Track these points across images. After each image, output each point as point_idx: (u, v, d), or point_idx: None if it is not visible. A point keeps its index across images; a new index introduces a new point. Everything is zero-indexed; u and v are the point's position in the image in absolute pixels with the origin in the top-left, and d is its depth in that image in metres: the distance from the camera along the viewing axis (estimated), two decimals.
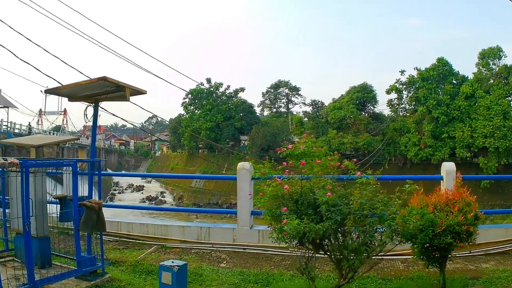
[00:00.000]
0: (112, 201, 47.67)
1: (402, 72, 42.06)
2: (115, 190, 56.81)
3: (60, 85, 5.62)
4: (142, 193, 54.36)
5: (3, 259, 4.87)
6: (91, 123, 5.09)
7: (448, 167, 6.34)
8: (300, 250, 3.97)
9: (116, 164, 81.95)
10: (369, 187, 3.80)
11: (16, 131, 39.43)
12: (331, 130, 44.07)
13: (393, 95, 43.91)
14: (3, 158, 4.10)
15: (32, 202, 4.07)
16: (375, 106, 47.81)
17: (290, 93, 70.37)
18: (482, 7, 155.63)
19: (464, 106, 37.09)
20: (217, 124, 52.92)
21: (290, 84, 69.54)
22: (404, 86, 42.62)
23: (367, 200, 3.66)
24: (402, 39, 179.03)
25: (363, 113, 46.85)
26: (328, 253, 3.90)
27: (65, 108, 67.64)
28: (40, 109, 65.38)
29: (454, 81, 39.77)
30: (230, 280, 4.97)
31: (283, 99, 71.30)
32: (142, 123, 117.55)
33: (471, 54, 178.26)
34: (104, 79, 4.28)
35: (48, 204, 4.74)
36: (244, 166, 6.59)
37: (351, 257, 3.62)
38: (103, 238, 4.95)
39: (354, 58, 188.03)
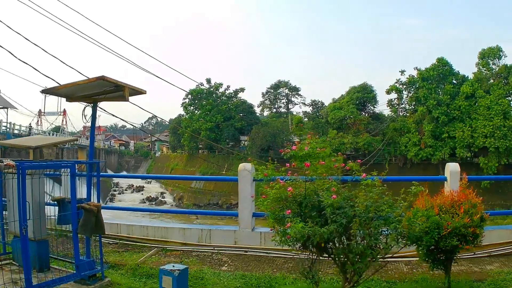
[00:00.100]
0: (112, 201, 47.65)
1: (402, 72, 42.03)
2: (115, 190, 56.72)
3: (58, 85, 5.53)
4: (142, 193, 54.29)
5: (0, 263, 4.79)
6: (90, 124, 5.01)
7: (452, 168, 6.25)
8: (304, 253, 3.89)
9: (116, 164, 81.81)
10: (375, 189, 3.71)
11: (16, 131, 39.32)
12: (331, 130, 44.03)
13: (393, 95, 43.90)
14: None
15: (29, 205, 3.99)
16: (375, 106, 47.87)
17: (290, 93, 70.31)
18: (482, 7, 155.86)
19: (464, 106, 37.05)
20: (217, 124, 52.85)
21: (290, 84, 69.52)
22: (404, 86, 42.57)
23: (372, 202, 3.57)
24: (402, 39, 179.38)
25: (363, 113, 46.83)
26: (332, 256, 3.82)
27: (64, 109, 67.59)
28: (40, 110, 65.36)
29: (454, 81, 39.74)
30: (232, 284, 4.89)
31: (283, 99, 71.23)
32: (142, 123, 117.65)
33: (471, 54, 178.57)
34: (102, 78, 4.20)
35: (46, 206, 4.67)
36: (245, 167, 6.50)
37: (357, 261, 3.54)
38: (102, 240, 4.87)
39: (354, 58, 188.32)
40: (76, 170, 4.56)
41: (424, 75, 40.02)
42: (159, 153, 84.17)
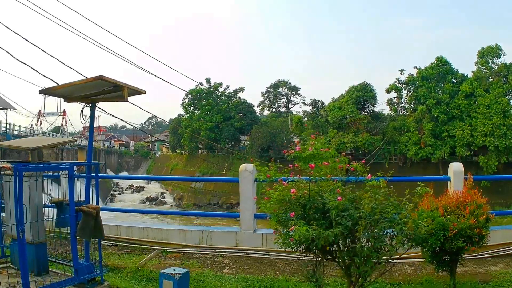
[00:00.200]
0: (113, 202, 47.60)
1: (402, 71, 42.07)
2: (115, 191, 56.69)
3: (55, 85, 5.44)
4: (142, 194, 54.27)
5: None
6: (89, 124, 4.93)
7: (456, 168, 6.17)
8: (307, 255, 3.81)
9: (116, 165, 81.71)
10: (381, 191, 3.63)
11: (15, 132, 39.22)
12: (331, 129, 44.01)
13: (393, 94, 43.93)
14: None
15: (26, 208, 3.90)
16: (375, 105, 47.85)
17: (290, 92, 70.16)
18: (482, 7, 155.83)
19: (464, 105, 37.05)
20: (217, 124, 52.77)
21: (290, 83, 69.38)
22: (404, 85, 42.59)
23: (378, 204, 3.49)
24: (402, 39, 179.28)
25: (363, 113, 46.79)
26: (337, 259, 3.74)
27: (64, 109, 67.44)
28: (39, 110, 65.20)
29: (454, 80, 39.74)
30: (234, 287, 4.81)
31: (282, 98, 71.07)
32: (141, 123, 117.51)
33: (470, 53, 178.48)
34: (100, 78, 4.12)
35: (45, 208, 4.58)
36: (247, 168, 6.40)
37: (362, 264, 3.46)
38: (101, 243, 4.79)
39: (354, 57, 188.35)
40: (75, 172, 4.48)
41: (423, 74, 40.03)
42: (159, 153, 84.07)
